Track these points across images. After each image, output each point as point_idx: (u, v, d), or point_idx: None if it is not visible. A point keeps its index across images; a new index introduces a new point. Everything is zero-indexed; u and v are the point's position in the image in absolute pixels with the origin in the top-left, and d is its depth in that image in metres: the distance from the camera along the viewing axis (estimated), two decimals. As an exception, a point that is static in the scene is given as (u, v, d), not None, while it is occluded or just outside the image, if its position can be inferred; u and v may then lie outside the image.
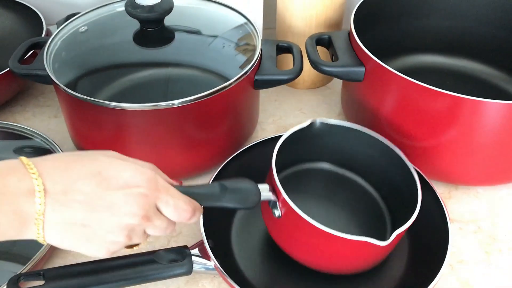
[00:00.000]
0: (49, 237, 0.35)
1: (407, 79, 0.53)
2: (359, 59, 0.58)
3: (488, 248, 0.53)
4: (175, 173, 0.59)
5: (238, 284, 0.44)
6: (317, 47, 0.61)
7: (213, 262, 0.46)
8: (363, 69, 0.57)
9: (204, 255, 0.47)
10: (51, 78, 0.55)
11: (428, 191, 0.52)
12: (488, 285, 0.50)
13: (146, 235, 0.39)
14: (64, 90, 0.54)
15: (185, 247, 0.47)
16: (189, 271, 0.46)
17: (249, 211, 0.53)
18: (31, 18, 0.74)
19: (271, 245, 0.50)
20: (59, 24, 0.73)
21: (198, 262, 0.47)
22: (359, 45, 0.57)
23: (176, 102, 0.52)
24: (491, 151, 0.54)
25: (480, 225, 0.55)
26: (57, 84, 0.54)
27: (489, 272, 0.51)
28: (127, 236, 0.37)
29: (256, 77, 0.58)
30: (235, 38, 0.61)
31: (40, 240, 0.35)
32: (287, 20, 0.69)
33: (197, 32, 0.62)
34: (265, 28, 0.77)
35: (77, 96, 0.53)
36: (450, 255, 0.52)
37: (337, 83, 0.75)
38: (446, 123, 0.53)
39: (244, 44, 0.61)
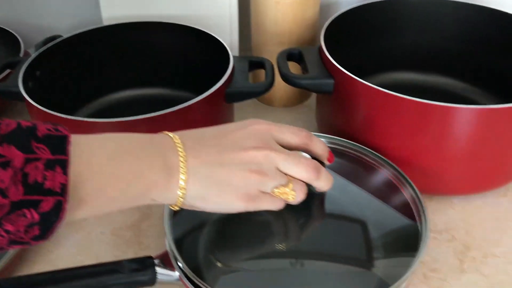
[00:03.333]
0: (191, 184, 0.40)
1: (374, 88, 0.53)
2: (328, 72, 0.59)
3: (462, 256, 0.52)
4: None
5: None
6: (290, 62, 0.62)
7: (177, 273, 0.45)
8: (332, 81, 0.58)
9: (168, 265, 0.46)
10: (22, 96, 0.56)
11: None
12: (462, 293, 0.49)
13: (282, 174, 0.43)
14: (36, 106, 0.54)
15: (149, 257, 0.46)
16: (152, 281, 0.45)
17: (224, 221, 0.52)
18: (11, 42, 0.75)
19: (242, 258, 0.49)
20: (37, 46, 0.74)
21: (163, 273, 0.46)
22: (328, 58, 0.58)
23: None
24: (462, 159, 0.54)
25: (454, 234, 0.55)
26: (28, 101, 0.55)
27: (462, 278, 0.50)
28: (257, 171, 0.42)
29: (227, 90, 0.58)
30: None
31: (180, 194, 0.40)
32: (260, 38, 0.70)
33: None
34: (244, 49, 0.79)
35: (48, 112, 0.53)
36: (423, 264, 0.51)
37: (314, 101, 0.75)
38: (416, 132, 0.53)
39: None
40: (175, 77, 0.72)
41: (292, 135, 0.46)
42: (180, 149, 0.40)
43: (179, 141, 0.41)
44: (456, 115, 0.51)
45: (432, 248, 0.53)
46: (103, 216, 0.57)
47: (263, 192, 0.43)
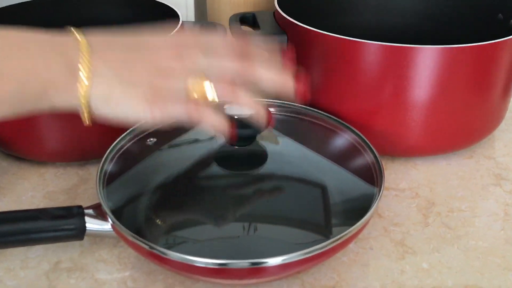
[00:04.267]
0: (95, 84, 0.36)
1: (330, 35, 0.51)
2: (281, 28, 0.56)
3: (426, 211, 0.48)
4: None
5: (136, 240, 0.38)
6: (244, 27, 0.60)
7: (110, 222, 0.41)
8: (285, 36, 0.55)
9: (101, 216, 0.41)
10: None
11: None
12: (424, 244, 0.45)
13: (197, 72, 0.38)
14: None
15: (79, 206, 0.42)
16: (80, 231, 0.40)
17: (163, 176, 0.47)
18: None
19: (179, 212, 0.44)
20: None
21: (93, 223, 0.41)
22: (281, 14, 0.56)
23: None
24: (423, 113, 0.51)
25: (417, 192, 0.51)
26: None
27: (426, 231, 0.46)
28: (166, 72, 0.38)
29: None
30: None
31: (83, 94, 0.36)
32: (216, 7, 0.68)
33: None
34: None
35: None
36: (383, 218, 0.48)
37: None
38: (375, 83, 0.51)
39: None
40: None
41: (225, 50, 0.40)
42: (84, 48, 0.36)
43: (84, 39, 0.37)
44: (418, 56, 0.48)
45: (394, 204, 0.49)
46: (36, 181, 0.51)
47: (175, 98, 0.38)
